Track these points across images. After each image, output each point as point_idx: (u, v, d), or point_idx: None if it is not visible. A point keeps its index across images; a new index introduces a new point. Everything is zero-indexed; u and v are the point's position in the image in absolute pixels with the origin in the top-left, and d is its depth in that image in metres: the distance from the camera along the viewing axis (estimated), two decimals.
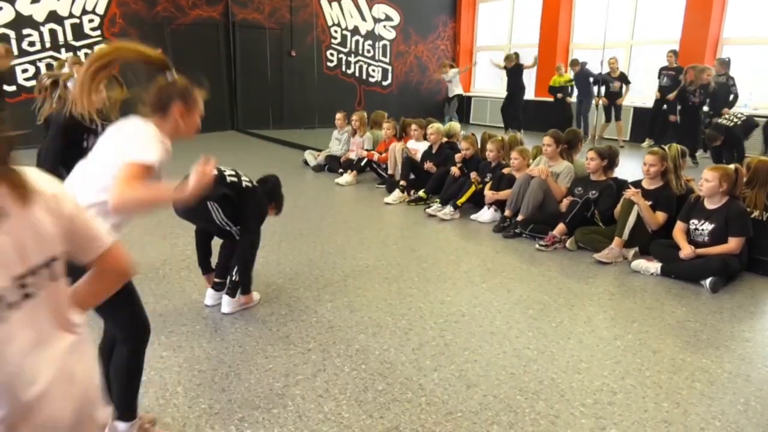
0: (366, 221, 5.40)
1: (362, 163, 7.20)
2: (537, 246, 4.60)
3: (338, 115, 8.04)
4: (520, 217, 4.96)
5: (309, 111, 11.67)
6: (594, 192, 4.68)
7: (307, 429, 2.28)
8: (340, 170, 7.44)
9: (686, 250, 3.94)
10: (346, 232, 5.04)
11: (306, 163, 8.19)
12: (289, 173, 7.54)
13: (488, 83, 13.95)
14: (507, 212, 5.11)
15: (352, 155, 7.52)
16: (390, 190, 6.37)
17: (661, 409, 2.44)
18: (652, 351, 2.95)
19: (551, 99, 10.90)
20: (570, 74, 10.65)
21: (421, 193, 6.04)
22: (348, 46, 12.83)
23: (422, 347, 2.96)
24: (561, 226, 4.59)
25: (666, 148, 4.47)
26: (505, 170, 5.48)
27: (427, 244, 4.72)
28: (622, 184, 4.68)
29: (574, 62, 10.39)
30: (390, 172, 6.75)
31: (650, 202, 4.31)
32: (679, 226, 4.13)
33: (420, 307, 3.46)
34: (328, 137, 8.33)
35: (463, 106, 11.81)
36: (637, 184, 4.52)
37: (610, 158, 4.78)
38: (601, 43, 9.21)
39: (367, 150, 7.34)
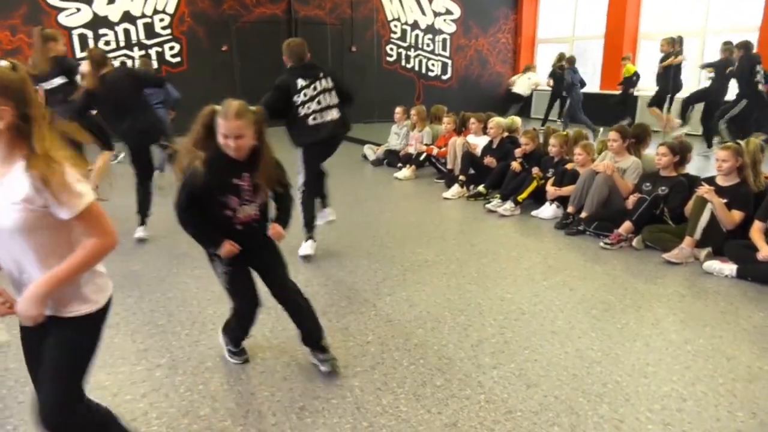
0: (425, 216, 5.38)
1: (421, 158, 7.18)
2: (601, 244, 4.45)
3: (397, 110, 8.04)
4: (583, 214, 4.81)
5: (368, 105, 11.72)
6: (664, 188, 4.48)
7: (365, 421, 2.30)
8: (399, 165, 7.44)
9: (765, 251, 3.71)
10: (404, 226, 5.04)
11: (365, 157, 8.24)
12: (348, 167, 7.62)
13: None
14: (570, 209, 4.97)
15: (411, 149, 7.50)
16: (449, 185, 6.32)
17: (735, 419, 2.32)
18: (726, 357, 2.80)
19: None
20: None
21: (480, 188, 5.96)
22: (408, 40, 12.80)
23: (481, 344, 2.93)
24: (627, 224, 4.42)
25: (743, 143, 4.21)
26: (569, 165, 5.33)
27: (487, 239, 4.66)
28: (694, 181, 4.45)
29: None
30: (449, 166, 6.69)
31: (725, 200, 4.08)
32: (757, 225, 3.89)
33: (479, 304, 3.42)
34: (387, 132, 8.35)
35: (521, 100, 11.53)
36: (710, 180, 4.29)
37: (682, 153, 4.56)
38: (671, 32, 8.76)
39: (426, 144, 7.31)
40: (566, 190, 5.12)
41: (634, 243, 4.39)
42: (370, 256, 4.25)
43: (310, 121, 3.98)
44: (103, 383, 2.55)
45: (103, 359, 2.75)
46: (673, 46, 8.71)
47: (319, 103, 3.99)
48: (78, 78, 5.28)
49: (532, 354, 2.83)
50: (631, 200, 4.62)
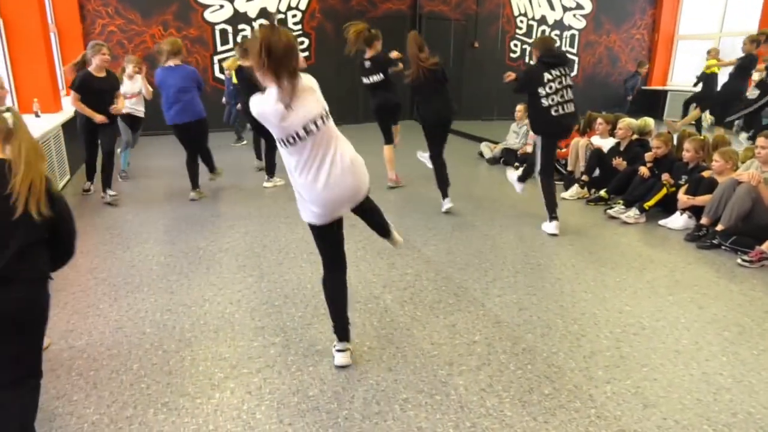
0: (541, 219, 5.18)
1: None
2: (739, 261, 4.04)
3: (518, 107, 7.81)
4: (719, 227, 4.38)
5: (488, 102, 11.52)
6: None
7: (468, 421, 2.27)
8: (516, 164, 7.23)
9: None
10: (518, 227, 4.90)
11: (481, 155, 8.11)
12: (464, 164, 7.54)
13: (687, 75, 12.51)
14: (704, 220, 4.55)
15: (530, 149, 7.26)
16: (567, 187, 6.05)
17: None
18: None
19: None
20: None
21: (602, 192, 5.64)
22: (533, 36, 12.38)
23: (594, 356, 2.77)
24: None
25: None
26: (705, 173, 4.88)
27: (607, 247, 4.40)
28: None
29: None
30: (569, 168, 6.40)
31: None
32: None
33: (594, 314, 3.24)
34: (505, 130, 8.14)
35: (659, 101, 10.69)
36: None
37: None
38: None
39: None
40: (701, 199, 4.69)
41: None
42: (480, 255, 4.18)
43: (553, 112, 4.46)
44: (223, 355, 2.74)
45: (225, 332, 2.95)
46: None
47: (562, 96, 4.46)
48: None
49: (651, 372, 2.64)
50: None
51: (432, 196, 5.79)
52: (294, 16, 10.57)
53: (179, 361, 2.68)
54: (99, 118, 5.17)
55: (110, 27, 9.25)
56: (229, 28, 10.13)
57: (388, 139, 6.03)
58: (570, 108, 4.49)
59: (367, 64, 5.68)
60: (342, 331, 2.66)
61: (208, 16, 9.97)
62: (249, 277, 3.70)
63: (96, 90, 5.15)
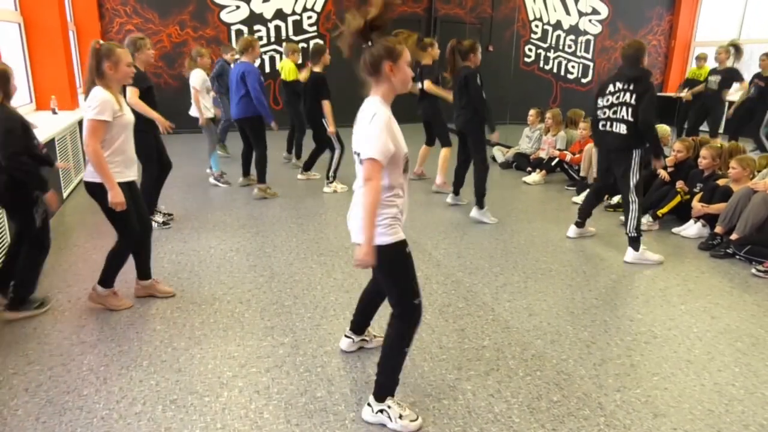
0: (552, 223, 5.16)
1: (553, 163, 6.90)
2: (753, 271, 3.98)
3: (531, 112, 7.78)
4: (733, 236, 4.33)
5: (501, 106, 11.46)
6: None
7: (476, 426, 2.26)
8: (529, 168, 7.21)
9: None
10: (529, 232, 4.87)
11: (493, 158, 8.08)
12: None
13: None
14: (718, 228, 4.50)
15: (543, 154, 7.23)
16: (580, 193, 6.01)
17: None
18: None
19: None
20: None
21: (617, 199, 5.59)
22: (548, 41, 12.34)
23: (605, 364, 2.75)
24: None
25: None
26: (720, 181, 4.83)
27: (619, 254, 4.36)
28: None
29: None
30: (582, 174, 6.36)
31: None
32: None
33: (605, 321, 3.22)
34: (518, 134, 8.12)
35: (674, 108, 10.60)
36: None
37: None
38: None
39: (559, 150, 7.01)
40: (715, 208, 4.64)
41: None
42: (491, 259, 4.16)
43: (600, 125, 4.24)
44: (232, 353, 2.75)
45: (234, 331, 2.96)
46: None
47: (615, 112, 4.10)
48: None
49: (661, 381, 2.61)
50: None
51: (441, 200, 5.78)
52: (309, 17, 10.61)
53: (189, 358, 2.70)
54: (166, 123, 4.55)
55: (128, 26, 9.34)
56: (245, 29, 10.18)
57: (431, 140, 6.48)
58: (617, 128, 4.07)
59: (418, 70, 5.89)
60: None
61: (225, 16, 10.04)
62: (260, 277, 3.71)
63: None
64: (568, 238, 4.70)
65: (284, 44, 7.47)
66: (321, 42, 6.21)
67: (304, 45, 10.63)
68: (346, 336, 2.81)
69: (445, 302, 3.40)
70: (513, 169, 7.59)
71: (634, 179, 4.09)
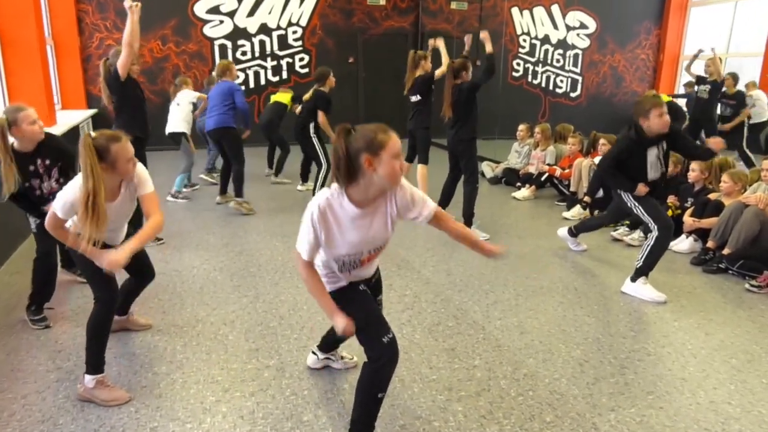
0: (542, 239, 5.19)
1: (542, 178, 6.96)
2: (747, 286, 4.03)
3: (521, 127, 7.87)
4: (726, 251, 4.38)
5: (489, 121, 11.54)
6: None
7: None
8: (518, 184, 7.27)
9: None
10: (520, 248, 4.90)
11: (482, 174, 8.12)
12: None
13: None
14: (710, 243, 4.55)
15: (532, 169, 7.29)
16: (570, 208, 6.07)
17: None
18: None
19: None
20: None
21: (622, 230, 5.61)
22: (536, 55, 12.52)
23: (598, 383, 2.75)
24: None
25: None
26: (712, 195, 4.90)
27: (611, 271, 4.39)
28: None
29: None
30: (572, 189, 6.42)
31: None
32: None
33: (598, 339, 3.23)
34: (507, 149, 8.19)
35: None
36: None
37: None
38: None
39: (548, 164, 7.07)
40: (707, 222, 4.70)
41: None
42: (481, 276, 4.17)
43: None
44: (216, 377, 2.72)
45: (218, 354, 2.93)
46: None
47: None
48: None
49: (656, 400, 2.61)
50: None
51: None
52: (295, 32, 10.69)
53: (170, 384, 2.66)
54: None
55: (108, 41, 9.34)
56: (229, 44, 10.23)
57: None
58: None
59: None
60: None
61: (208, 31, 10.08)
62: (244, 298, 3.69)
63: None
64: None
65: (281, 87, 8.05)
66: (325, 67, 6.43)
67: (289, 60, 10.69)
68: (312, 352, 2.81)
69: (434, 321, 3.39)
70: (502, 185, 7.65)
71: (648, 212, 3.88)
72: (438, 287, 3.94)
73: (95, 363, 2.54)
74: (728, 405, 2.59)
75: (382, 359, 2.07)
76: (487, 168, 8.15)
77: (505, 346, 3.10)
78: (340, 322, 2.01)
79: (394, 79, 6.56)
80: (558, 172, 6.81)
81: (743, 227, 4.31)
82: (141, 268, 3.01)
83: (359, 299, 2.19)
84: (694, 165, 5.15)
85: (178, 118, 6.46)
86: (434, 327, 3.32)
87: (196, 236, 5.02)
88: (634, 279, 3.92)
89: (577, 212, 5.91)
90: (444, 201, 5.60)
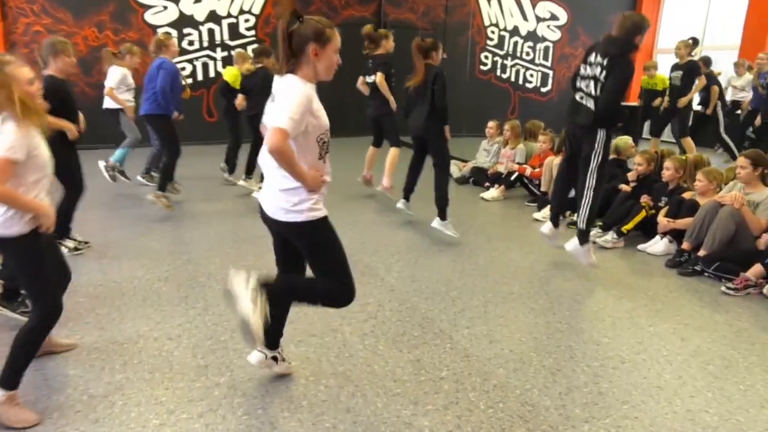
0: (512, 242, 5.27)
1: (512, 178, 7.06)
2: (723, 288, 4.17)
3: (490, 124, 7.98)
4: (701, 252, 4.53)
5: (456, 117, 11.63)
6: None
7: None
8: (487, 184, 7.36)
9: None
10: (488, 252, 4.95)
11: (449, 174, 8.20)
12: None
13: None
14: (685, 245, 4.70)
15: (501, 168, 7.40)
16: (541, 209, 6.18)
17: None
18: None
19: None
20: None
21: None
22: (505, 48, 12.72)
23: (571, 392, 2.80)
24: (758, 268, 4.12)
25: None
26: (686, 195, 5.06)
27: (583, 274, 4.49)
28: None
29: None
30: (543, 188, 6.54)
31: None
32: None
33: (571, 346, 3.29)
34: (475, 147, 8.30)
35: (636, 118, 11.07)
36: None
37: None
38: None
39: (518, 163, 7.19)
40: (682, 222, 4.85)
41: (765, 291, 4.09)
42: (449, 282, 4.21)
43: (577, 96, 4.30)
44: (159, 398, 2.66)
45: (162, 373, 2.87)
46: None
47: (587, 85, 4.21)
48: None
49: (631, 410, 2.68)
50: (764, 240, 4.32)
51: (392, 220, 5.82)
52: (247, 20, 10.59)
53: (108, 407, 2.59)
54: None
55: (35, 26, 9.06)
56: (174, 32, 10.06)
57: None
58: (587, 103, 4.16)
59: (369, 63, 6.19)
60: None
61: (150, 18, 9.89)
62: (191, 310, 3.62)
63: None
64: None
65: (236, 51, 7.67)
66: (266, 46, 6.56)
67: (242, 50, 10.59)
68: (258, 350, 2.75)
69: (399, 331, 3.40)
70: (470, 185, 7.74)
71: (596, 161, 4.14)
72: (403, 295, 3.95)
73: (13, 378, 2.44)
74: (706, 413, 2.68)
75: (343, 296, 2.46)
76: (454, 167, 8.21)
77: (474, 356, 3.13)
78: (313, 178, 2.29)
79: (356, 72, 6.56)
80: (528, 171, 6.93)
81: (718, 228, 4.47)
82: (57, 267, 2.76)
83: (334, 239, 2.45)
84: (668, 163, 5.31)
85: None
86: (399, 337, 3.32)
87: (138, 243, 4.91)
88: (583, 243, 4.29)
89: (548, 213, 6.00)
90: (408, 189, 5.69)
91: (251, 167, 6.76)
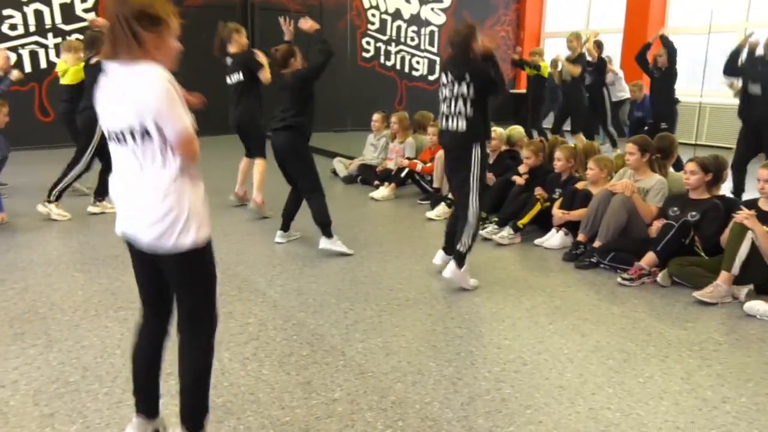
0: (406, 244, 5.39)
1: (402, 174, 7.21)
2: (619, 279, 4.50)
3: (375, 117, 8.08)
4: (596, 243, 4.86)
5: (339, 111, 11.79)
6: (694, 214, 4.57)
7: None
8: (376, 182, 7.47)
9: None
10: (381, 256, 5.03)
11: (335, 173, 8.25)
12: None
13: None
14: (580, 236, 5.02)
15: (390, 164, 7.54)
16: (435, 207, 6.36)
17: None
18: None
19: None
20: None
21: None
22: (388, 32, 12.97)
23: (473, 402, 2.91)
24: (650, 256, 4.48)
25: None
26: (579, 185, 5.40)
27: (481, 273, 4.66)
28: (732, 205, 4.54)
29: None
30: (436, 185, 6.74)
31: None
32: None
33: (471, 352, 3.42)
34: (361, 142, 8.39)
35: (526, 106, 11.69)
36: (751, 203, 4.38)
37: (715, 171, 4.65)
38: (704, 27, 9.01)
39: (408, 158, 7.35)
40: (576, 214, 5.17)
41: (658, 279, 4.45)
42: (339, 293, 4.23)
43: (442, 123, 4.40)
44: None
45: None
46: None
47: (449, 107, 4.31)
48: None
49: (535, 414, 2.82)
50: (655, 227, 4.68)
51: (271, 227, 5.76)
52: (84, 1, 10.05)
53: None
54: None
55: None
56: None
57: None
58: (455, 124, 4.25)
59: (229, 61, 6.07)
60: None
61: None
62: (30, 348, 3.39)
63: None
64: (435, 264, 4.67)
65: (64, 42, 7.18)
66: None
67: (79, 36, 10.05)
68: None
69: (285, 351, 3.38)
70: (358, 184, 7.81)
71: (475, 183, 4.22)
72: (288, 310, 3.93)
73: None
74: (608, 410, 2.87)
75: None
76: (339, 165, 8.27)
77: (369, 372, 3.17)
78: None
79: (215, 58, 6.42)
80: (419, 166, 7.10)
81: (611, 217, 4.81)
82: None
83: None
84: (559, 153, 5.65)
85: None
86: (286, 358, 3.30)
87: None
88: (460, 266, 4.25)
89: (441, 211, 6.19)
90: (287, 219, 5.38)
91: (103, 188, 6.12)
